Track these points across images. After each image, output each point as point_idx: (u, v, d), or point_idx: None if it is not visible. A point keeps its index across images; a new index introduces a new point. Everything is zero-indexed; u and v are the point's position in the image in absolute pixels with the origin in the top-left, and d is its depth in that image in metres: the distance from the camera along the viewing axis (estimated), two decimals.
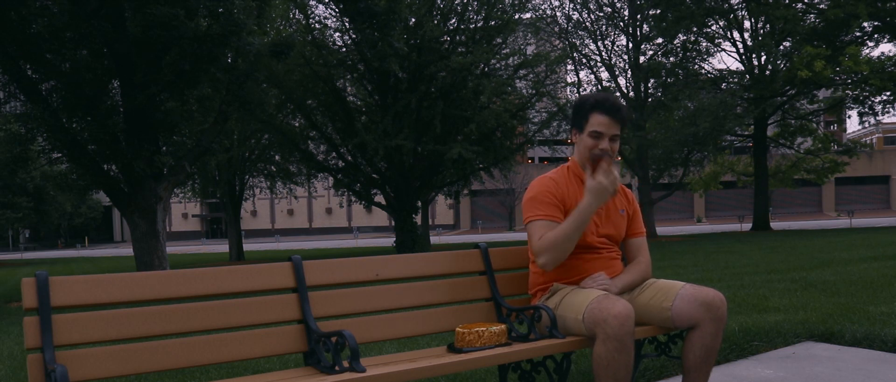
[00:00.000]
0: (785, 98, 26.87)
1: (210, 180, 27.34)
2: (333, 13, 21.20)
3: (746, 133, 29.24)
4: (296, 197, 32.71)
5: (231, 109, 14.23)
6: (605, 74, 27.54)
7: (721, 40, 27.25)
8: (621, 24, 26.67)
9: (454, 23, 21.66)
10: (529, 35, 25.31)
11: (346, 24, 20.43)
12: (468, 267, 3.29)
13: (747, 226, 32.56)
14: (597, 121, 3.00)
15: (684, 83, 25.07)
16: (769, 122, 28.95)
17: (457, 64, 19.40)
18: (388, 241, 35.31)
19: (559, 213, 3.00)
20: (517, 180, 55.91)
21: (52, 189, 34.73)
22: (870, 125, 32.13)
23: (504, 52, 22.48)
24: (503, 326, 2.88)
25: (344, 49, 21.67)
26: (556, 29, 26.84)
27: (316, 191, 42.99)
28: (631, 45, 26.47)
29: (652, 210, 26.58)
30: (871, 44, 24.91)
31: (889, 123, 70.21)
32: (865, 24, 23.55)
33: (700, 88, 25.46)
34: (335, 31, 21.58)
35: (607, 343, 2.65)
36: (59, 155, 16.20)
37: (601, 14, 26.68)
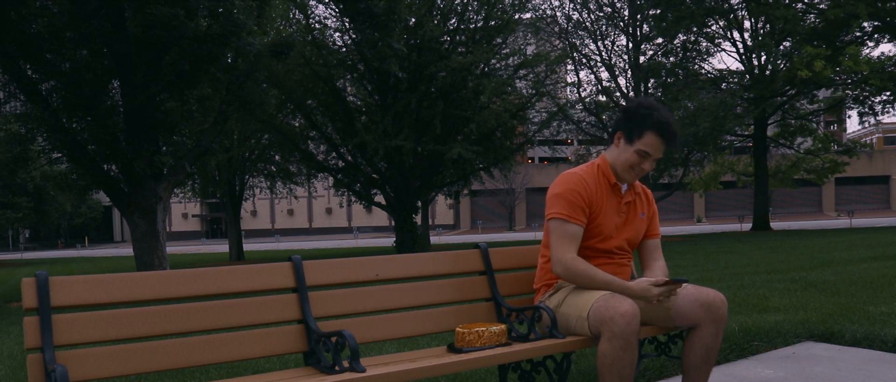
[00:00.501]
0: (785, 98, 26.87)
1: (210, 180, 27.34)
2: (333, 13, 21.22)
3: (746, 133, 29.24)
4: (296, 197, 32.71)
5: (231, 109, 14.23)
6: (605, 74, 27.60)
7: (721, 40, 27.26)
8: (621, 24, 26.67)
9: (454, 23, 21.66)
10: (529, 35, 25.32)
11: (346, 24, 20.43)
12: (468, 267, 3.29)
13: (747, 226, 32.55)
14: (651, 142, 2.91)
15: (684, 83, 25.07)
16: (769, 122, 28.95)
17: (457, 64, 19.40)
18: (388, 241, 35.30)
19: (583, 216, 2.94)
20: (517, 180, 55.91)
21: (52, 189, 34.72)
22: (870, 125, 32.13)
23: (504, 52, 22.48)
24: (503, 326, 2.88)
25: (344, 49, 21.67)
26: (556, 29, 26.85)
27: (316, 191, 43.00)
28: (631, 45, 26.47)
29: None
30: (871, 44, 24.92)
31: (889, 123, 70.22)
32: (865, 24, 23.56)
33: (700, 88, 25.47)
34: (335, 32, 21.59)
35: (613, 342, 2.65)
36: (59, 155, 16.20)
37: (601, 14, 26.69)
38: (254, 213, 73.50)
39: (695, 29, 25.29)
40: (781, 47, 25.21)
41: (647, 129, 2.90)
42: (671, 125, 2.89)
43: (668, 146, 2.93)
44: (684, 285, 2.98)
